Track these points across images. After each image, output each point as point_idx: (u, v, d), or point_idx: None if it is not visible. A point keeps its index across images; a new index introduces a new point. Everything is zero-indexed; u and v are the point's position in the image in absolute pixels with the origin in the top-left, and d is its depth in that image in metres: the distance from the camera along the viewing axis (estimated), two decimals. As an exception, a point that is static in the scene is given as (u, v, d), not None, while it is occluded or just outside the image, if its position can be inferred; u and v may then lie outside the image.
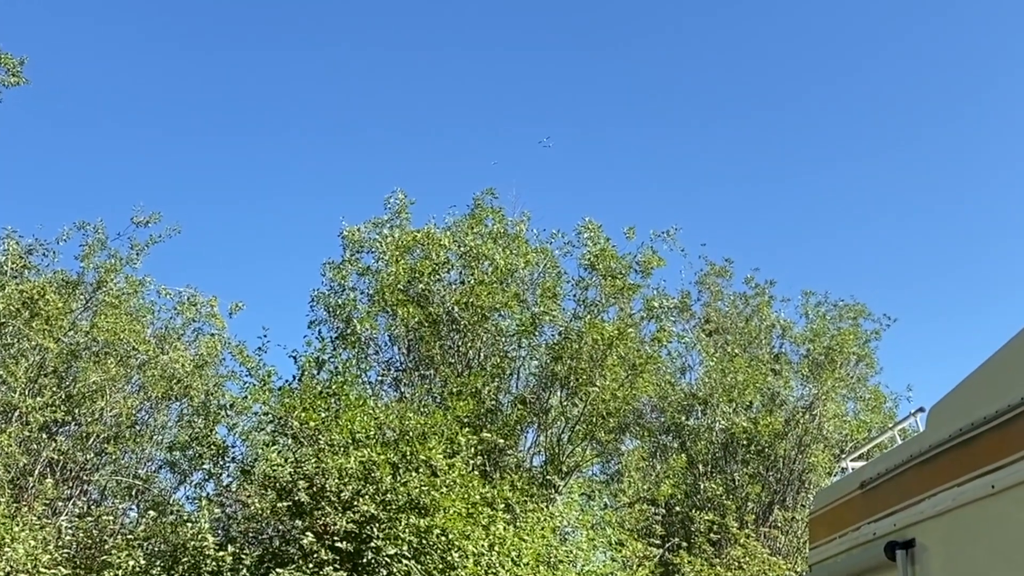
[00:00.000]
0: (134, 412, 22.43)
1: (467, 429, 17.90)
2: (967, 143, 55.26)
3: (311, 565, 15.09)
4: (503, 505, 17.06)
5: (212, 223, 47.17)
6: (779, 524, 26.55)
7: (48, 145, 44.40)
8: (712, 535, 24.95)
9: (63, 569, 16.98)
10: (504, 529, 16.43)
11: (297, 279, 52.92)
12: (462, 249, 21.79)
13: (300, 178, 49.29)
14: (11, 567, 16.58)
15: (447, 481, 16.17)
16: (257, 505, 16.32)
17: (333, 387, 17.97)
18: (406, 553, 15.20)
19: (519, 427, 21.33)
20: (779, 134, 55.47)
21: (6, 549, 16.59)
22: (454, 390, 19.77)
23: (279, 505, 15.96)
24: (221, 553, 15.51)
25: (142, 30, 47.16)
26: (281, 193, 48.51)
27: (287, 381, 18.55)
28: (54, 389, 20.62)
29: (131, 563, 15.95)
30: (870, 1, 54.45)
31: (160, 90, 47.62)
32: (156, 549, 17.20)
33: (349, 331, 21.24)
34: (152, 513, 18.21)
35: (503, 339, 21.84)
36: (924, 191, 55.65)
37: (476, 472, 17.56)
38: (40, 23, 41.81)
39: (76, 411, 21.29)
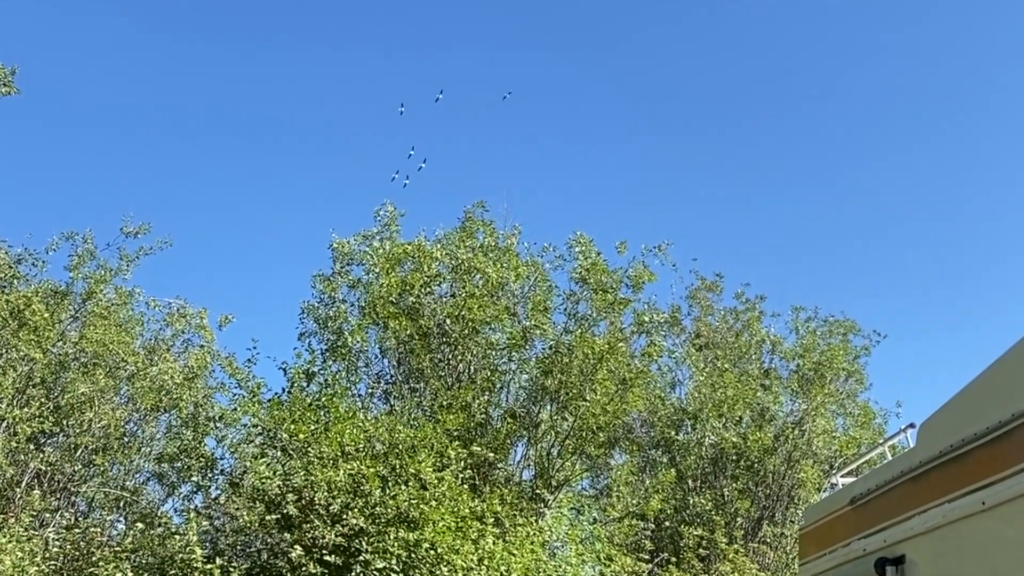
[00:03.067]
0: (123, 424, 22.33)
1: (457, 443, 17.88)
2: (959, 161, 55.54)
3: (299, 578, 15.05)
4: (492, 519, 17.02)
5: (202, 234, 47.15)
6: (768, 540, 26.51)
7: (38, 154, 44.36)
8: (701, 550, 24.90)
9: (50, 581, 16.89)
10: (493, 543, 16.40)
11: (287, 291, 52.89)
12: (453, 262, 21.76)
13: (290, 190, 49.29)
14: (-3, 579, 16.49)
15: (436, 495, 16.14)
16: (245, 518, 16.25)
17: (323, 399, 17.95)
18: (395, 567, 15.16)
19: (509, 441, 21.28)
20: (770, 150, 55.70)
21: (-8, 561, 16.50)
22: (444, 403, 19.74)
23: (268, 518, 15.91)
24: (209, 566, 15.45)
25: (133, 40, 47.19)
26: (271, 205, 48.52)
27: (276, 393, 18.54)
28: (42, 400, 20.51)
29: (118, 575, 15.88)
30: (861, 19, 54.75)
31: (151, 101, 47.63)
32: (144, 562, 17.12)
33: (339, 343, 21.19)
34: (140, 525, 18.13)
35: (493, 352, 21.81)
36: (914, 208, 55.91)
37: (465, 486, 17.53)
38: (28, 32, 41.80)
39: (64, 422, 21.20)
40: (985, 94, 55.01)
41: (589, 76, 53.92)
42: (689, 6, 54.92)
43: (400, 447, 16.90)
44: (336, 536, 15.33)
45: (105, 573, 15.97)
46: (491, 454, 19.77)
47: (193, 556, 15.59)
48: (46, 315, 20.23)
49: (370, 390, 22.05)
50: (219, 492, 18.41)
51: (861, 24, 55.01)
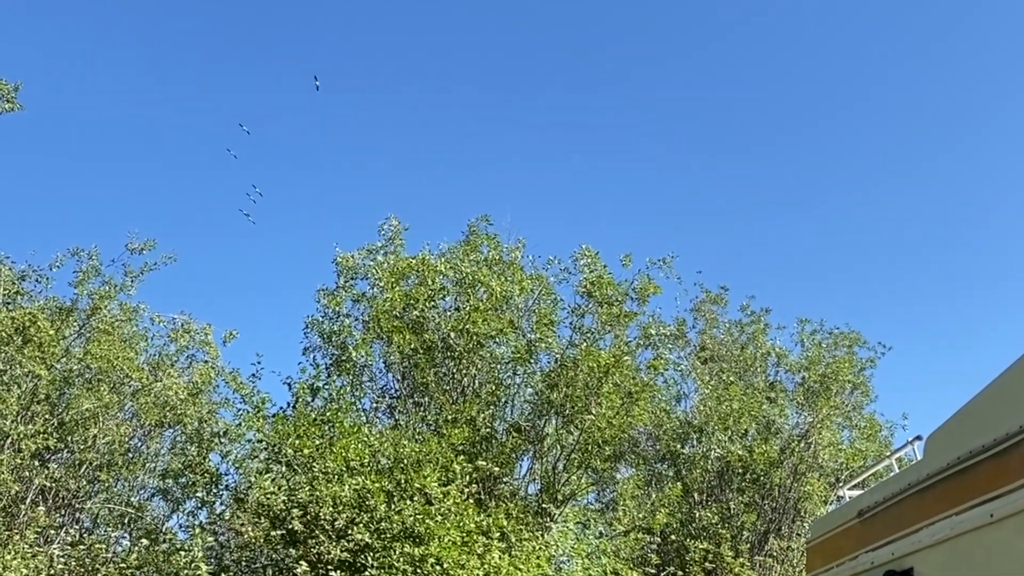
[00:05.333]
0: (127, 440, 22.32)
1: (462, 457, 17.83)
2: (964, 174, 55.56)
3: (305, 594, 15.01)
4: (498, 534, 16.97)
5: (206, 250, 47.16)
6: (774, 553, 26.42)
7: (42, 171, 44.43)
8: (707, 564, 24.81)
9: (55, 597, 16.87)
10: (499, 558, 16.35)
11: (291, 306, 52.86)
12: (457, 276, 21.74)
13: (294, 205, 49.32)
14: (2, 595, 16.46)
15: (442, 509, 16.10)
16: (251, 533, 16.23)
17: (327, 414, 17.91)
18: (401, 582, 15.12)
19: (514, 455, 21.24)
20: (776, 165, 55.72)
21: (-3, 577, 16.49)
22: (449, 418, 19.69)
23: (273, 533, 15.88)
24: (214, 582, 15.44)
25: (137, 58, 47.34)
26: (275, 220, 48.53)
27: (281, 408, 18.50)
28: (46, 416, 20.51)
29: (123, 591, 15.87)
30: (866, 34, 54.84)
31: (154, 116, 47.72)
32: (148, 578, 17.10)
33: (344, 358, 21.16)
34: (145, 541, 18.10)
35: (498, 366, 21.77)
36: (919, 220, 55.84)
37: (471, 500, 17.48)
38: (33, 47, 41.94)
39: (68, 438, 21.19)
40: (993, 107, 55.05)
41: (594, 89, 54.01)
42: (696, 20, 55.05)
43: (405, 462, 16.87)
44: (341, 551, 15.29)
45: (110, 589, 15.96)
46: (496, 468, 19.73)
47: (198, 572, 15.57)
48: (51, 331, 20.25)
49: (375, 405, 22.02)
50: (224, 508, 18.37)
51: (868, 42, 55.12)
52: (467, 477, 17.74)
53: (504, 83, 52.99)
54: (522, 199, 50.73)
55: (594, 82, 54.32)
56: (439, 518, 15.86)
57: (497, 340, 21.54)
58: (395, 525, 15.57)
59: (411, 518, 15.61)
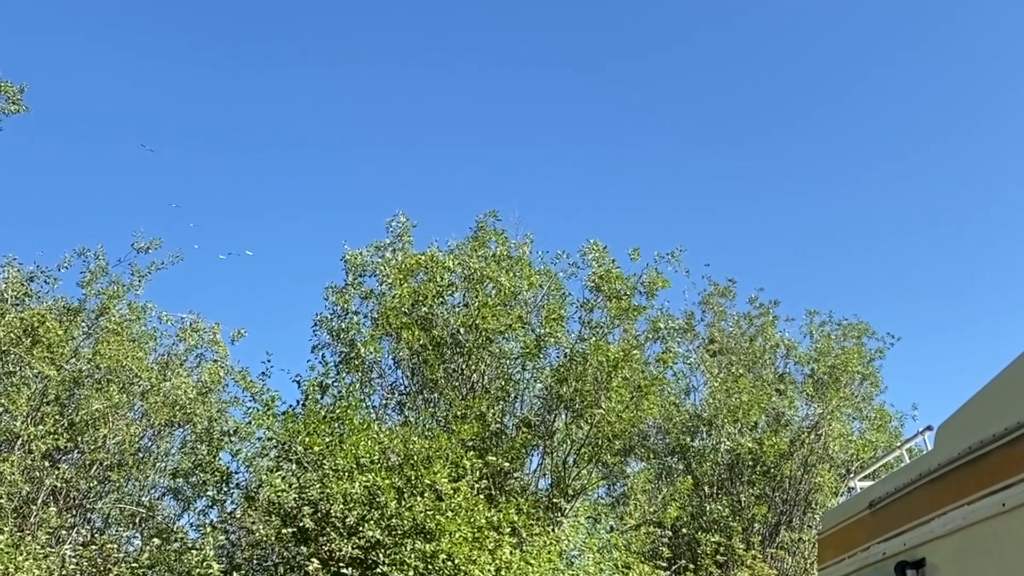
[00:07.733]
0: (137, 439, 22.34)
1: (472, 453, 17.84)
2: (972, 161, 55.38)
3: (316, 591, 15.03)
4: (509, 529, 16.98)
5: (214, 248, 47.16)
6: (786, 545, 26.41)
7: (48, 171, 44.47)
8: (719, 557, 24.81)
9: (67, 598, 16.90)
10: (510, 553, 16.36)
11: (300, 304, 52.90)
12: (466, 272, 21.73)
13: (301, 202, 49.36)
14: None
15: (452, 505, 16.11)
16: (262, 531, 16.26)
17: (337, 411, 17.92)
18: (412, 578, 15.14)
19: (524, 450, 21.23)
20: (782, 155, 55.62)
21: (10, 578, 16.53)
22: (458, 413, 19.69)
23: (284, 531, 15.91)
24: (226, 580, 15.47)
25: (143, 51, 47.41)
26: (282, 217, 48.56)
27: (291, 406, 18.51)
28: (56, 417, 20.53)
29: (135, 591, 15.91)
30: (872, 22, 54.69)
31: (161, 113, 47.74)
32: (161, 577, 17.13)
33: (353, 355, 21.15)
34: (156, 541, 18.15)
35: (507, 362, 21.76)
36: (927, 210, 55.72)
37: (481, 496, 17.49)
38: (38, 45, 42.01)
39: (79, 439, 21.22)
40: (1005, 93, 54.88)
41: (600, 84, 53.96)
42: (698, 13, 54.96)
43: (415, 458, 16.87)
44: (353, 548, 15.32)
45: (122, 589, 15.99)
46: (506, 464, 19.73)
47: (210, 571, 15.61)
48: (59, 332, 20.28)
49: (384, 401, 22.02)
50: (235, 506, 18.41)
51: (872, 29, 54.98)
52: (477, 473, 17.75)
53: (511, 76, 52.98)
54: (530, 193, 50.78)
55: (601, 74, 54.27)
56: (450, 514, 15.87)
57: (506, 335, 21.52)
58: (406, 521, 15.59)
59: (422, 514, 15.62)
